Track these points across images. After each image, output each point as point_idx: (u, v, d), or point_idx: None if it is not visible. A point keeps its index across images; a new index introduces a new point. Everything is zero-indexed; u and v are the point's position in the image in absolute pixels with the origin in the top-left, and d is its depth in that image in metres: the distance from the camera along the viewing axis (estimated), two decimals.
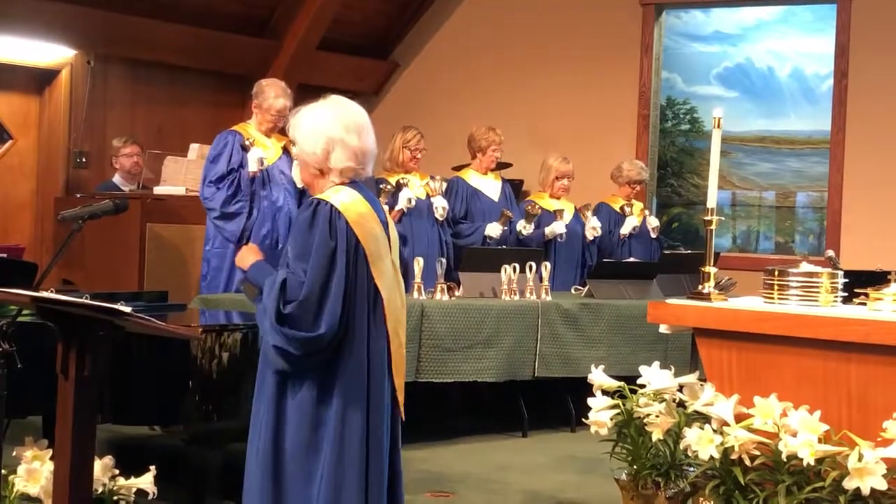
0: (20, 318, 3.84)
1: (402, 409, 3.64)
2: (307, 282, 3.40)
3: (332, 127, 3.54)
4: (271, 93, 6.49)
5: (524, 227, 7.60)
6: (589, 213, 7.91)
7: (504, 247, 7.43)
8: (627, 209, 8.19)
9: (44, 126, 8.93)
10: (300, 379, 3.48)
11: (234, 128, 6.64)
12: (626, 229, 8.16)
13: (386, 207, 6.84)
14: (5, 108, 8.78)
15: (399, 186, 7.11)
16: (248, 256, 3.71)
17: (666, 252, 8.54)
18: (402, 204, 7.07)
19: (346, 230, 3.46)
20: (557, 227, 7.72)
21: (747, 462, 3.91)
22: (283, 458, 3.51)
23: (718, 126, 4.44)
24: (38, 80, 8.90)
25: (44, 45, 8.59)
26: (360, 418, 3.46)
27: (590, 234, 7.90)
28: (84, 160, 8.90)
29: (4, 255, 6.26)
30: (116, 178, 8.38)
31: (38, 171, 8.94)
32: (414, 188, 7.19)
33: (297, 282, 3.41)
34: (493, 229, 7.47)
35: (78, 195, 8.25)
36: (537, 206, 7.64)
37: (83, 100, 8.87)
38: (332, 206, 3.47)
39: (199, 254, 6.80)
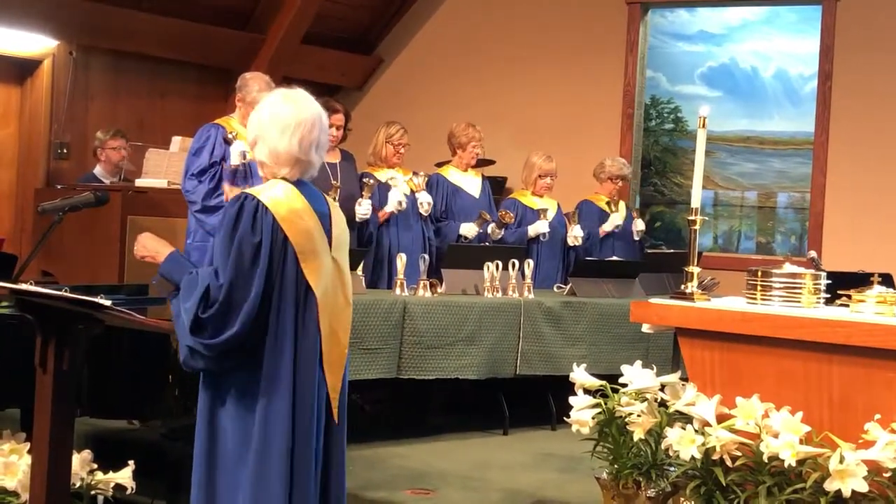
0: None
1: (335, 412, 3.49)
2: (224, 283, 3.29)
3: (260, 121, 3.47)
4: (255, 86, 6.45)
5: (493, 232, 7.55)
6: (573, 223, 7.87)
7: (487, 244, 7.42)
8: (613, 206, 8.17)
9: (25, 116, 8.88)
10: (228, 380, 3.38)
11: (218, 121, 6.60)
12: (608, 226, 8.13)
13: (369, 203, 6.88)
14: None
15: (386, 185, 7.07)
16: (158, 247, 3.53)
17: (648, 251, 8.53)
18: (391, 207, 7.02)
19: (272, 226, 3.34)
20: (541, 227, 7.70)
21: (728, 463, 3.91)
22: (215, 462, 3.41)
23: (704, 126, 4.43)
24: (20, 70, 8.84)
25: (26, 35, 8.54)
26: (283, 420, 3.34)
27: (571, 241, 7.88)
28: (65, 151, 8.85)
29: None
30: (97, 171, 8.33)
31: (19, 161, 8.88)
32: (399, 185, 7.15)
33: (217, 285, 3.30)
34: (469, 229, 7.42)
35: (59, 186, 8.20)
36: (510, 215, 7.60)
37: (65, 90, 8.82)
38: (259, 201, 3.36)
39: (181, 247, 6.76)
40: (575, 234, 7.85)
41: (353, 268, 6.26)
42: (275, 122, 3.44)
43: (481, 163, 7.99)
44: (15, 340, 3.88)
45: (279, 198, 3.40)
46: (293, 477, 3.37)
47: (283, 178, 3.46)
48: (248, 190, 3.44)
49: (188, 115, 9.31)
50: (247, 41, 9.72)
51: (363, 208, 6.84)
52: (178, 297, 3.37)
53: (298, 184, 3.48)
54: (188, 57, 9.52)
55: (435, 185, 7.52)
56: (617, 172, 8.29)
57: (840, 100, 8.90)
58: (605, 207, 8.20)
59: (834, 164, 8.95)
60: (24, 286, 3.55)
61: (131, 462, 4.15)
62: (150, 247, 3.54)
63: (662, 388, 4.37)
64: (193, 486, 3.45)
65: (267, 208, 3.36)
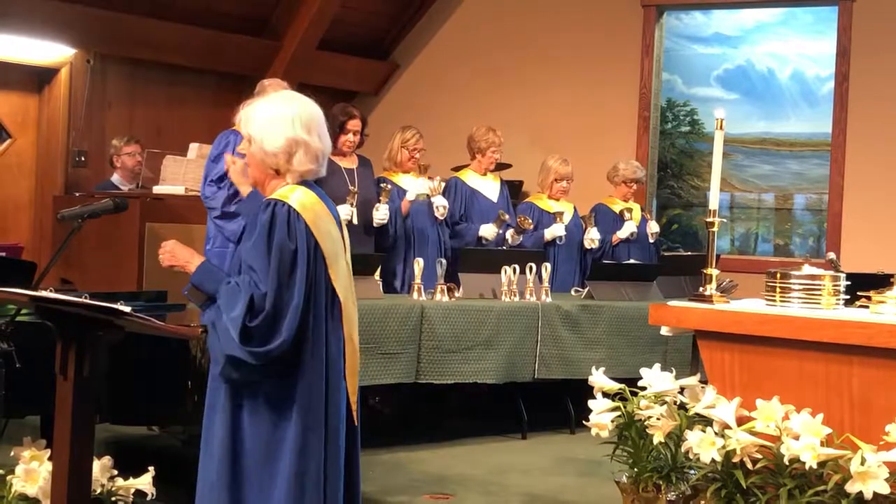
0: (19, 318, 3.83)
1: (355, 415, 3.51)
2: (269, 291, 3.28)
3: (294, 127, 3.41)
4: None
5: (512, 238, 7.54)
6: (590, 226, 7.86)
7: (504, 248, 7.41)
8: (627, 214, 8.14)
9: (43, 125, 8.92)
10: (257, 388, 3.36)
11: (236, 127, 6.59)
12: (623, 234, 8.10)
13: (386, 208, 6.88)
14: (4, 106, 8.77)
15: (404, 191, 7.07)
16: (188, 256, 3.54)
17: (666, 254, 8.51)
18: (412, 196, 7.00)
19: (305, 231, 3.35)
20: (557, 230, 7.70)
21: (749, 465, 3.90)
22: (240, 472, 3.38)
23: (721, 127, 4.42)
24: (38, 79, 8.88)
25: (43, 43, 8.57)
26: (319, 427, 3.35)
27: (587, 244, 7.87)
28: (83, 159, 8.89)
29: (3, 254, 6.26)
30: (115, 178, 8.37)
31: (38, 169, 8.92)
32: (419, 188, 7.13)
33: (260, 294, 3.28)
34: (488, 230, 7.42)
35: (77, 194, 8.24)
36: (529, 221, 7.59)
37: (82, 99, 8.86)
38: (290, 207, 3.36)
39: (199, 253, 6.77)
40: (591, 237, 7.84)
41: (370, 272, 6.29)
42: (311, 124, 3.43)
43: (498, 167, 7.99)
44: (35, 347, 3.89)
45: (305, 202, 3.41)
46: (326, 483, 3.39)
47: (298, 181, 3.45)
48: (273, 196, 3.42)
49: (205, 122, 9.34)
50: (263, 48, 9.74)
51: (380, 213, 6.84)
52: (215, 308, 3.35)
53: (311, 187, 3.48)
54: (205, 64, 9.54)
55: (453, 188, 7.52)
56: (631, 176, 8.28)
57: (857, 101, 8.86)
58: (620, 214, 8.16)
59: (851, 165, 8.91)
60: (43, 293, 3.56)
61: (151, 468, 4.16)
62: (180, 256, 3.56)
63: (682, 390, 4.36)
64: (215, 491, 3.41)
65: (299, 214, 3.36)
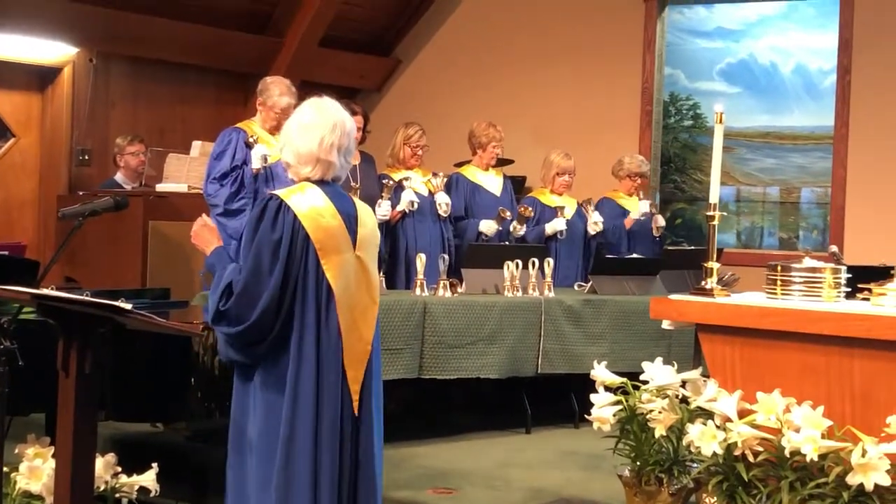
0: (21, 316, 3.84)
1: (355, 404, 3.61)
2: (243, 276, 3.48)
3: (289, 124, 3.69)
4: (276, 90, 6.48)
5: (514, 229, 7.54)
6: (591, 208, 7.87)
7: (506, 243, 7.42)
8: (639, 196, 8.19)
9: (46, 124, 8.94)
10: (258, 372, 3.52)
11: (239, 125, 6.64)
12: (635, 214, 8.11)
13: (388, 204, 6.90)
14: (7, 105, 8.79)
15: (401, 185, 7.08)
16: (209, 237, 3.74)
17: (669, 248, 8.50)
18: (402, 206, 7.04)
19: (293, 223, 3.50)
20: (558, 224, 7.70)
21: (750, 458, 3.91)
22: (245, 456, 3.56)
23: (721, 121, 4.43)
24: (41, 78, 8.90)
25: (46, 42, 8.59)
26: (308, 415, 3.48)
27: (591, 229, 7.86)
28: (87, 158, 8.91)
29: (6, 253, 6.26)
30: (118, 177, 8.38)
31: (41, 168, 8.95)
32: (416, 184, 7.17)
33: (238, 280, 3.49)
34: (487, 226, 7.42)
35: (81, 193, 8.25)
36: (529, 210, 7.58)
37: (85, 97, 8.88)
38: (281, 201, 3.53)
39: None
40: (594, 220, 7.82)
41: None
42: (298, 124, 3.64)
43: (500, 162, 7.99)
44: (38, 345, 3.90)
45: (301, 197, 3.56)
46: (318, 465, 3.49)
47: (307, 179, 3.62)
48: (275, 191, 3.59)
49: (208, 120, 9.36)
50: (265, 45, 9.76)
51: (382, 209, 6.86)
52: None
53: (324, 185, 3.64)
54: (207, 62, 9.56)
55: (455, 184, 7.53)
56: (636, 169, 8.28)
57: (859, 94, 8.85)
58: (624, 204, 8.18)
59: (854, 158, 8.90)
60: (45, 291, 3.58)
61: (155, 465, 4.17)
62: (201, 238, 3.76)
63: (683, 384, 4.37)
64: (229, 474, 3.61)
65: (289, 207, 3.52)
